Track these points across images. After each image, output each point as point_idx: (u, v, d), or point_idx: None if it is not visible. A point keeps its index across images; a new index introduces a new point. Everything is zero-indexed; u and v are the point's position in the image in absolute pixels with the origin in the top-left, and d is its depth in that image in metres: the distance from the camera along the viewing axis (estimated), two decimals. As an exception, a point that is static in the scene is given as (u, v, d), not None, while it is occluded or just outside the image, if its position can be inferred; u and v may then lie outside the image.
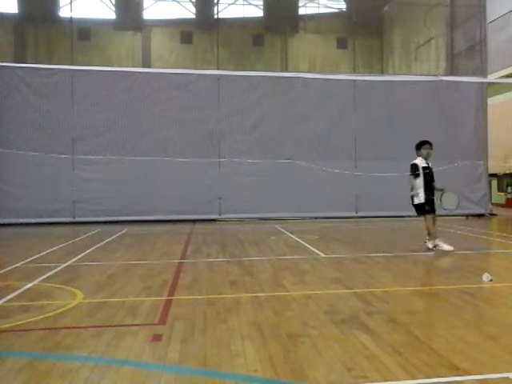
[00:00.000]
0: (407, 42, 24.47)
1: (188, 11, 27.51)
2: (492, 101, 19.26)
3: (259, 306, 5.10)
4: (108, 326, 4.46)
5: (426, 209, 8.83)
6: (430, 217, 8.83)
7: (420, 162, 9.01)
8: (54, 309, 5.03)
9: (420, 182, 8.89)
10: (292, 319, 4.64)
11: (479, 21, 17.75)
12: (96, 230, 13.11)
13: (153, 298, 5.49)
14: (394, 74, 24.08)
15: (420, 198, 8.86)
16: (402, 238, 11.33)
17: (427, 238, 9.01)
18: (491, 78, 18.22)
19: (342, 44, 26.64)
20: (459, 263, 7.64)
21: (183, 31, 26.62)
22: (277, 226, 13.54)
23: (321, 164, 15.65)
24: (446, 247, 8.73)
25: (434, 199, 8.92)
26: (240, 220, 15.55)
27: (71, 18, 17.59)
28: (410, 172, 9.03)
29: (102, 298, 5.50)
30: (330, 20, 27.58)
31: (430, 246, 8.89)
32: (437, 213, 8.97)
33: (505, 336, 4.06)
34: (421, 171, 8.89)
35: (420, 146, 9.13)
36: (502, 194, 20.90)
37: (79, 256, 8.64)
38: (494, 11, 18.97)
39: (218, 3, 24.88)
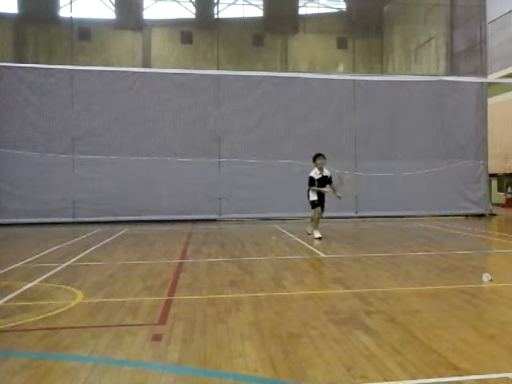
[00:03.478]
0: (407, 42, 24.42)
1: (188, 11, 27.47)
2: (492, 101, 19.25)
3: (259, 306, 5.10)
4: (108, 326, 4.46)
5: (315, 203, 10.59)
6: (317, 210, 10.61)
7: (314, 174, 10.58)
8: (53, 309, 5.03)
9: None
10: (292, 319, 4.64)
11: (479, 21, 17.74)
12: (96, 229, 13.11)
13: (153, 298, 5.49)
14: (394, 73, 24.02)
15: (314, 196, 10.59)
16: (402, 238, 11.32)
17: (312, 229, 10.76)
18: (491, 77, 18.22)
19: (342, 44, 26.57)
20: (459, 263, 7.64)
21: (183, 31, 26.57)
22: (277, 226, 13.53)
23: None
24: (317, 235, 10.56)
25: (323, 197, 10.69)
26: (240, 220, 15.54)
27: (71, 18, 17.54)
28: (308, 185, 10.62)
29: (102, 298, 5.50)
30: (329, 20, 27.52)
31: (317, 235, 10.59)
32: None
33: (505, 336, 4.06)
34: (316, 183, 10.55)
35: (315, 158, 10.68)
36: (501, 193, 20.89)
37: (79, 256, 8.65)
38: (494, 11, 18.97)
39: (217, 3, 24.84)
